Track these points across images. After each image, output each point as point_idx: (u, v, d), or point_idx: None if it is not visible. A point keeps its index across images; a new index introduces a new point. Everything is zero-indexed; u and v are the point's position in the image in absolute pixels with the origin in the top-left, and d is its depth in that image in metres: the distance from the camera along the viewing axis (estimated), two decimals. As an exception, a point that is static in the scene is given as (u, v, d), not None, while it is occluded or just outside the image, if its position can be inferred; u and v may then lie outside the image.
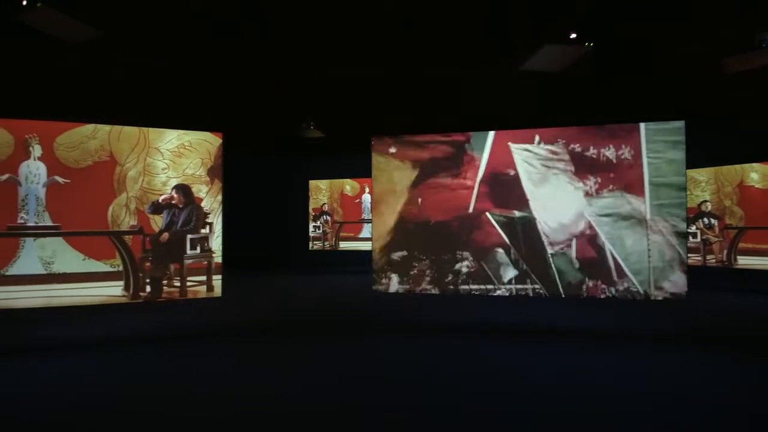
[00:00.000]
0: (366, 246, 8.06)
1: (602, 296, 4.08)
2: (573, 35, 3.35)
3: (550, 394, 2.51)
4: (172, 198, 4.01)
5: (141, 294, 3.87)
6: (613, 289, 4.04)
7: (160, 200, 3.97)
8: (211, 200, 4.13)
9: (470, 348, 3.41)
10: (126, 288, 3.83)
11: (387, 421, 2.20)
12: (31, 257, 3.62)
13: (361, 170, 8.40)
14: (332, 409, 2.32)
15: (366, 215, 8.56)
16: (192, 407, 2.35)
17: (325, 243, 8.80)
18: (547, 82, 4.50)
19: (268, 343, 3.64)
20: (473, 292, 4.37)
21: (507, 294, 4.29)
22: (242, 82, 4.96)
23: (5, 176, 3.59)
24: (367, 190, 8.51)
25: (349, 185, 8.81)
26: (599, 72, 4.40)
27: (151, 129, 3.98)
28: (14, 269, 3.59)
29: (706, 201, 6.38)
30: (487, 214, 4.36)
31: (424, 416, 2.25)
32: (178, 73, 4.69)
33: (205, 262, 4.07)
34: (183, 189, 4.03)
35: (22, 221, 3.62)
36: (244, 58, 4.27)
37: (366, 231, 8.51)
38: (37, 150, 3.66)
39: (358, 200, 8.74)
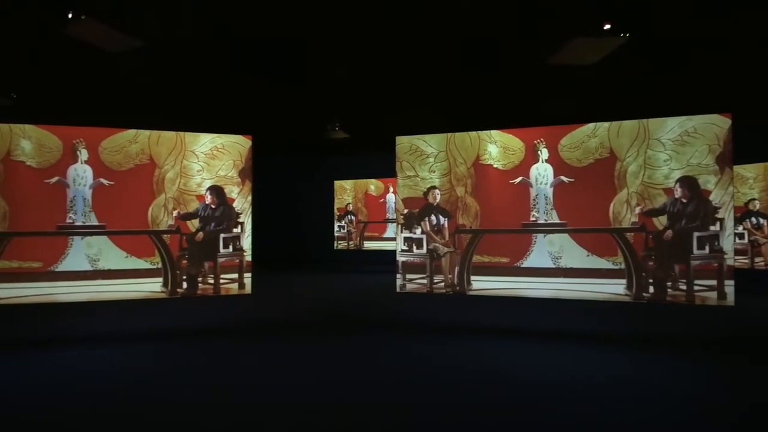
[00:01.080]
0: (390, 246, 8.08)
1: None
2: (607, 26, 3.23)
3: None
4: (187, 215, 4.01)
5: (178, 290, 4.02)
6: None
7: (178, 214, 3.99)
8: (242, 200, 4.25)
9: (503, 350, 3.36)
10: (164, 284, 4.00)
11: (402, 421, 2.19)
12: (78, 255, 3.84)
13: (386, 170, 8.42)
14: (345, 406, 2.34)
15: (390, 215, 8.57)
16: (218, 397, 2.43)
17: (350, 242, 8.87)
18: (579, 76, 4.37)
19: (295, 339, 3.71)
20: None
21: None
22: (270, 86, 5.07)
23: (55, 179, 3.82)
24: (392, 189, 8.51)
25: (373, 185, 8.85)
26: (639, 65, 4.24)
27: (186, 133, 4.12)
28: (63, 266, 3.81)
29: (754, 199, 6.00)
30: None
31: (438, 416, 2.24)
32: (210, 78, 4.86)
33: (237, 261, 4.18)
34: (216, 190, 4.15)
35: (70, 221, 3.84)
36: (271, 62, 4.36)
37: (390, 231, 8.52)
38: (83, 154, 3.88)
39: (382, 200, 8.77)
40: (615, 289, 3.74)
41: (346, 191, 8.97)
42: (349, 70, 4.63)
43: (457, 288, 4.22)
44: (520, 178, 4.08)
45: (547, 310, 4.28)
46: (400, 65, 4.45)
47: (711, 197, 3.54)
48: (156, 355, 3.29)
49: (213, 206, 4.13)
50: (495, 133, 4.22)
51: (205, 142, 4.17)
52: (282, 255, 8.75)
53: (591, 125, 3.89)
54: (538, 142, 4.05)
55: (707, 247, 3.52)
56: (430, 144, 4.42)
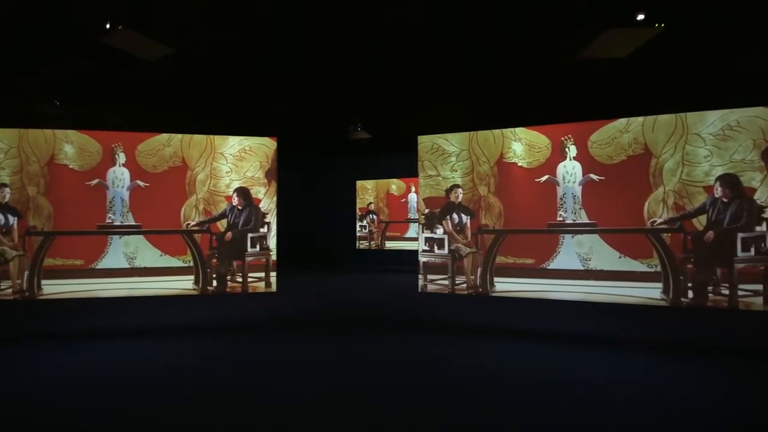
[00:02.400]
0: (412, 246, 8.04)
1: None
2: (641, 16, 3.07)
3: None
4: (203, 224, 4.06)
5: (209, 288, 4.15)
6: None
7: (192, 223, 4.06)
8: (268, 201, 4.33)
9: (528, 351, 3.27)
10: (196, 282, 4.14)
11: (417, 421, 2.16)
12: (117, 253, 4.03)
13: (407, 170, 8.39)
14: (364, 405, 2.34)
15: (412, 215, 8.53)
16: (243, 390, 2.48)
17: (371, 242, 8.89)
18: (610, 69, 4.19)
19: (316, 337, 3.75)
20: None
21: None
22: (294, 87, 5.15)
23: (95, 181, 4.03)
24: (413, 189, 8.47)
25: (395, 185, 8.83)
26: (675, 55, 4.02)
27: (216, 136, 4.25)
28: (103, 263, 4.01)
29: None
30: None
31: (456, 419, 2.19)
32: (237, 82, 4.98)
33: (264, 260, 4.27)
34: (242, 191, 4.26)
35: (109, 221, 4.04)
36: (296, 64, 4.42)
37: (412, 230, 8.48)
38: (121, 157, 4.07)
39: (404, 200, 8.74)
40: (650, 293, 3.55)
41: (367, 191, 9.00)
42: (371, 70, 4.63)
43: (480, 289, 4.14)
44: (547, 177, 3.94)
45: (575, 313, 4.13)
46: (421, 64, 4.42)
47: (756, 196, 3.31)
48: (185, 348, 3.40)
49: (240, 207, 4.23)
50: (520, 131, 4.10)
51: (233, 144, 4.28)
52: (304, 254, 8.88)
53: (623, 120, 3.71)
54: (566, 139, 3.90)
55: (752, 249, 3.29)
56: (452, 143, 4.36)
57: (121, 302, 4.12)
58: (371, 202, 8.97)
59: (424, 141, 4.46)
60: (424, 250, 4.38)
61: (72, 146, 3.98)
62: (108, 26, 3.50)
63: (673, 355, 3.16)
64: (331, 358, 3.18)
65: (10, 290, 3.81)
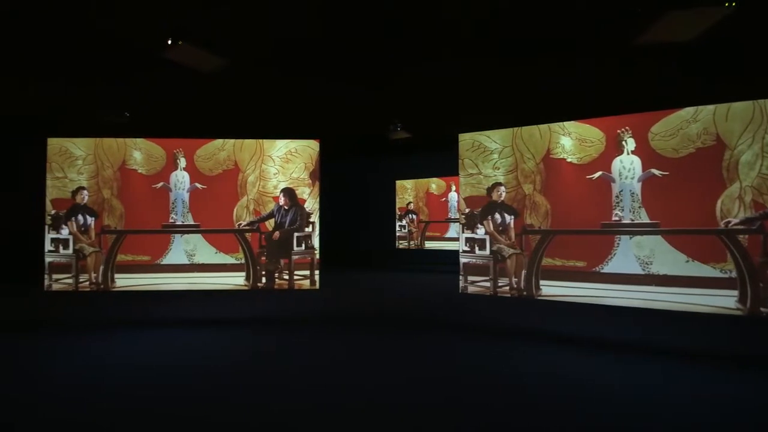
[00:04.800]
0: (451, 246, 7.87)
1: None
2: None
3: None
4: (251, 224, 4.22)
5: (258, 284, 4.32)
6: None
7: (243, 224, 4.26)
8: (312, 201, 4.42)
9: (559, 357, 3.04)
10: (247, 278, 4.33)
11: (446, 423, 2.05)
12: (178, 250, 4.32)
13: (447, 169, 8.21)
14: (396, 405, 2.27)
15: (452, 214, 8.33)
16: (285, 380, 2.52)
17: (410, 242, 8.82)
18: (673, 54, 3.79)
19: (357, 334, 3.75)
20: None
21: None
22: (335, 90, 5.21)
23: (160, 184, 4.34)
24: (454, 188, 8.28)
25: (434, 184, 8.69)
26: (747, 37, 3.55)
27: (265, 140, 4.41)
28: (166, 259, 4.31)
29: None
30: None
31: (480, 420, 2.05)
32: (283, 87, 5.14)
33: (309, 258, 4.36)
34: (289, 192, 4.38)
35: (172, 220, 4.34)
36: (335, 65, 4.46)
37: (452, 230, 8.29)
38: (182, 162, 4.35)
39: (444, 199, 8.57)
40: (723, 301, 3.14)
41: (407, 190, 8.93)
42: (411, 69, 4.56)
43: (524, 292, 3.92)
44: (600, 173, 3.64)
45: (633, 321, 3.78)
46: (461, 59, 4.27)
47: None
48: (237, 339, 3.56)
49: (286, 207, 4.36)
50: (569, 125, 3.83)
51: (280, 147, 4.42)
52: (345, 253, 8.99)
53: (690, 109, 3.31)
54: (623, 132, 3.56)
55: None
56: (494, 140, 4.18)
57: (181, 295, 4.41)
58: (410, 202, 8.89)
59: (465, 139, 4.32)
60: (464, 251, 4.24)
61: (140, 152, 4.33)
62: (169, 42, 3.75)
63: (750, 372, 2.77)
64: (372, 356, 3.17)
65: (88, 282, 4.22)
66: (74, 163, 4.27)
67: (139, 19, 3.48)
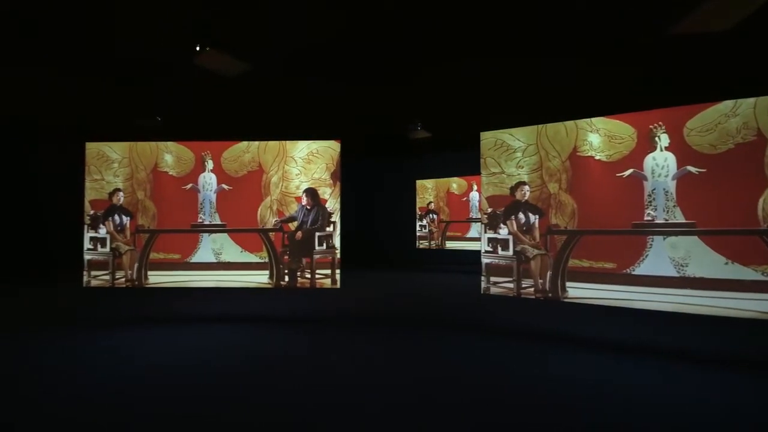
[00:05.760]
0: (473, 246, 7.74)
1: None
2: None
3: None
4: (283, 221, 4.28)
5: (281, 283, 4.40)
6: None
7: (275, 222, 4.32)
8: (333, 201, 4.45)
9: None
10: (270, 277, 4.41)
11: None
12: (206, 249, 4.46)
13: (469, 168, 8.09)
14: (400, 403, 2.22)
15: (474, 214, 8.19)
16: (305, 378, 2.54)
17: (431, 242, 8.74)
18: (709, 44, 3.56)
19: (377, 333, 3.73)
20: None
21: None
22: (356, 90, 5.23)
23: (189, 185, 4.49)
24: (475, 187, 8.14)
25: (455, 183, 8.57)
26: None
27: (287, 141, 4.48)
28: (195, 258, 4.45)
29: None
30: None
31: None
32: (304, 89, 5.20)
33: (330, 258, 4.40)
34: (311, 192, 4.42)
35: (200, 220, 4.48)
36: (356, 65, 4.47)
37: (474, 230, 8.15)
38: (210, 164, 4.49)
39: (465, 198, 8.44)
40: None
41: (427, 190, 8.86)
42: (431, 68, 4.51)
43: (550, 294, 3.79)
44: (631, 171, 3.46)
45: (666, 325, 3.58)
46: (480, 57, 4.18)
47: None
48: (261, 335, 3.63)
49: (308, 207, 4.41)
50: (597, 121, 3.67)
51: (302, 148, 4.47)
52: (365, 253, 9.02)
53: (729, 102, 3.09)
54: (656, 127, 3.37)
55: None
56: (517, 138, 4.06)
57: (209, 292, 4.55)
58: (431, 202, 8.81)
59: (487, 137, 4.22)
60: (486, 251, 4.15)
61: (171, 155, 4.50)
62: (198, 48, 3.87)
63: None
64: (392, 356, 3.15)
65: (123, 279, 4.43)
66: (110, 166, 4.49)
67: (168, 28, 3.61)
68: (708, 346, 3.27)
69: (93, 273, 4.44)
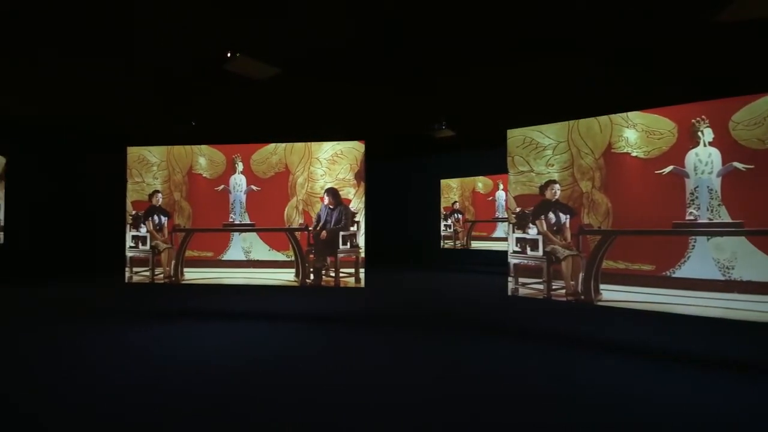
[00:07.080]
0: (499, 246, 7.53)
1: None
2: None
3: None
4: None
5: (307, 281, 4.47)
6: None
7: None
8: (357, 201, 4.47)
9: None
10: (296, 275, 4.49)
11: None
12: (237, 247, 4.61)
13: (494, 167, 7.89)
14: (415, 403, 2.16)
15: (500, 213, 7.98)
16: (329, 375, 2.55)
17: (456, 242, 8.60)
18: (758, 33, 3.26)
19: (402, 333, 3.70)
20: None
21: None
22: (380, 88, 5.22)
23: (221, 186, 4.66)
24: (501, 186, 7.92)
25: (481, 182, 8.39)
26: None
27: (312, 143, 4.55)
28: (227, 256, 4.62)
29: None
30: None
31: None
32: (329, 90, 5.26)
33: (354, 257, 4.42)
34: (332, 191, 4.46)
35: (231, 220, 4.64)
36: (381, 64, 4.46)
37: (500, 230, 7.94)
38: (240, 166, 4.64)
39: (491, 198, 8.23)
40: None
41: (452, 190, 8.72)
42: (456, 67, 4.43)
43: (582, 297, 3.60)
44: (671, 167, 3.22)
45: (710, 332, 3.32)
46: (504, 52, 4.05)
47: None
48: (287, 332, 3.71)
49: (331, 206, 4.45)
50: (634, 115, 3.45)
51: (327, 149, 4.53)
52: (390, 252, 9.01)
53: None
54: (698, 121, 3.12)
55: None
56: (547, 135, 3.90)
57: (239, 288, 4.71)
58: (456, 201, 8.67)
59: (515, 135, 4.08)
60: (514, 252, 4.02)
61: (204, 158, 4.69)
62: (228, 55, 4.00)
63: None
64: (413, 357, 3.12)
65: (162, 275, 4.67)
66: (150, 168, 4.74)
67: (200, 38, 3.76)
68: (759, 354, 2.99)
69: (135, 269, 4.71)
